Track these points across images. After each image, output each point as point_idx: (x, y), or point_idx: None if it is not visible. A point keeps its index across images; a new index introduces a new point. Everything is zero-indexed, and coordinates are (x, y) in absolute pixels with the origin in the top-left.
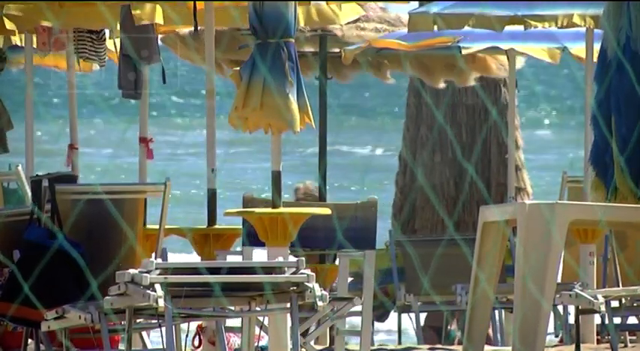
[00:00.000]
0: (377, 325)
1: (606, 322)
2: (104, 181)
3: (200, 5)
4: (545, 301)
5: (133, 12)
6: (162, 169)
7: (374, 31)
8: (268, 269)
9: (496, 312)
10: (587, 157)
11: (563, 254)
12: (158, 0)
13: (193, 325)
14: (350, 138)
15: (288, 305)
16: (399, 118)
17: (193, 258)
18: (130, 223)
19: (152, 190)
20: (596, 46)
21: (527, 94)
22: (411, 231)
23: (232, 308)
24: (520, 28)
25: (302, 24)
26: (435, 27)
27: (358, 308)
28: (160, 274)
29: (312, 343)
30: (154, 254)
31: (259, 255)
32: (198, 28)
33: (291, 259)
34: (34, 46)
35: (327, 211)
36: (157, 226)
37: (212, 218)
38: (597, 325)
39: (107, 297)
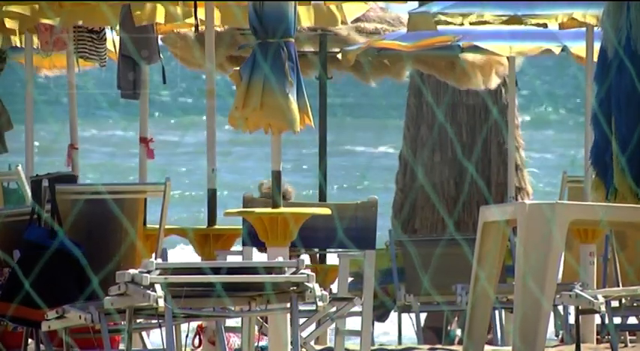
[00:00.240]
0: (377, 325)
1: (606, 322)
2: (104, 181)
3: (200, 5)
4: (545, 301)
5: (133, 13)
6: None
7: (374, 31)
8: (268, 269)
9: (496, 312)
10: (587, 157)
11: (563, 254)
12: (158, 0)
13: (193, 325)
14: (350, 138)
15: (288, 305)
16: (399, 117)
17: (193, 257)
18: (130, 223)
19: (152, 190)
20: (596, 46)
21: (529, 94)
22: (411, 230)
23: (232, 308)
24: (520, 28)
25: (310, 24)
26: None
27: (358, 308)
28: (160, 274)
29: (312, 343)
30: (154, 254)
31: (259, 255)
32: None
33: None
34: (34, 46)
35: (327, 211)
36: (157, 226)
37: (212, 218)
38: (597, 325)
39: (107, 297)
